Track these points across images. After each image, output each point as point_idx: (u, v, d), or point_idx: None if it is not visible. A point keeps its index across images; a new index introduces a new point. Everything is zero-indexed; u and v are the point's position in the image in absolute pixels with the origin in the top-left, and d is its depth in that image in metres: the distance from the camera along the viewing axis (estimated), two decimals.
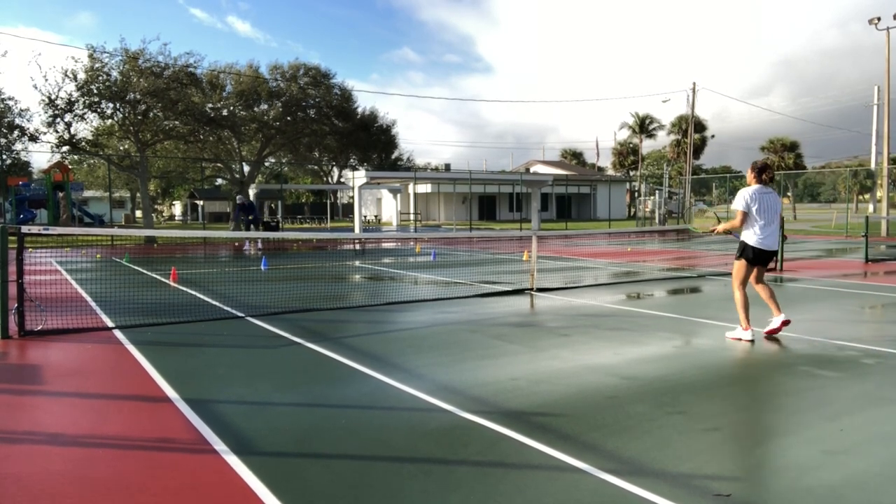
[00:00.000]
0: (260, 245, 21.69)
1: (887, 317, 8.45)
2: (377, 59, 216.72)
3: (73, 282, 12.02)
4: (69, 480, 3.38)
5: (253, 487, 3.26)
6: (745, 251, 6.67)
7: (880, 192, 32.95)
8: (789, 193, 58.16)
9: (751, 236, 6.61)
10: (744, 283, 6.73)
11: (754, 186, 6.65)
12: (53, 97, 25.12)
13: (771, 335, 6.74)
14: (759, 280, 6.84)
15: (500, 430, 4.05)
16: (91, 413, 4.57)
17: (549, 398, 4.73)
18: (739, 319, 6.68)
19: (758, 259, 6.65)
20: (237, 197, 24.65)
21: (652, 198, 43.98)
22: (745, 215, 6.60)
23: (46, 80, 25.06)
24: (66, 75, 25.19)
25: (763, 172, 6.67)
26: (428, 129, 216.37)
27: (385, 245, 24.44)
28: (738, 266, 6.77)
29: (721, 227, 7.20)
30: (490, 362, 5.83)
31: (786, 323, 6.66)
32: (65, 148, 27.32)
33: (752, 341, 6.50)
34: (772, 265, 6.97)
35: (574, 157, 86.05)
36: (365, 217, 46.72)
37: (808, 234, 29.58)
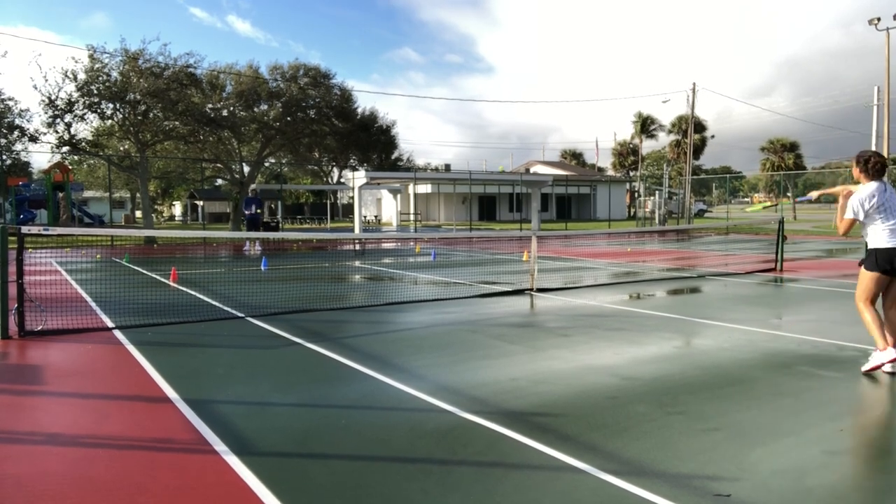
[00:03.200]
0: (259, 246, 21.68)
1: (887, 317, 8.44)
2: (378, 60, 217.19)
3: (73, 282, 12.02)
4: (69, 481, 3.38)
5: (253, 487, 3.26)
6: (878, 257, 5.35)
7: None
8: (789, 193, 58.12)
9: (880, 238, 5.33)
10: (872, 299, 5.43)
11: (873, 184, 5.39)
12: (53, 97, 25.11)
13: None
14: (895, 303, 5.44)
15: (500, 431, 4.04)
16: (91, 413, 4.57)
17: (549, 398, 4.73)
18: (875, 340, 5.39)
19: (893, 266, 5.33)
20: (251, 189, 24.67)
21: (652, 198, 44.00)
22: (853, 223, 5.45)
23: (46, 80, 25.05)
24: (66, 76, 25.18)
25: (869, 163, 5.40)
26: (428, 130, 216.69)
27: (385, 245, 24.44)
28: (867, 279, 5.44)
29: (839, 197, 5.73)
30: (490, 362, 5.83)
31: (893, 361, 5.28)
32: (65, 148, 27.30)
33: (893, 361, 5.26)
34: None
35: (574, 157, 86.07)
36: (365, 217, 46.72)
37: (808, 235, 29.59)
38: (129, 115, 26.73)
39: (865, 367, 5.40)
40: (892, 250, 5.28)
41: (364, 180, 34.42)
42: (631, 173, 68.21)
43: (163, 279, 12.58)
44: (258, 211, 21.44)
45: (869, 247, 5.47)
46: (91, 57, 25.59)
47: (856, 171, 5.55)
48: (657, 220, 41.22)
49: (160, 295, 10.50)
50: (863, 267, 5.49)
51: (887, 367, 5.32)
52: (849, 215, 5.44)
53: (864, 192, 5.41)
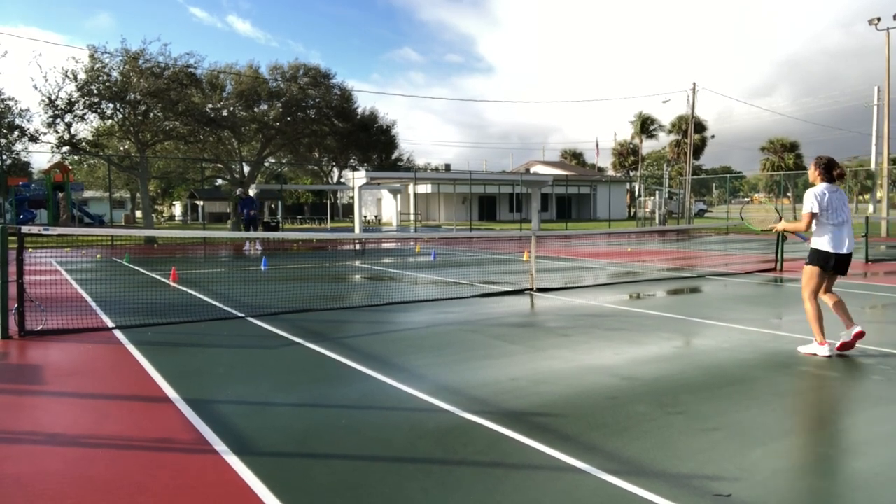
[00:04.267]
0: (259, 245, 21.70)
1: (887, 317, 8.45)
2: (378, 59, 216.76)
3: (73, 282, 12.02)
4: (69, 480, 3.38)
5: (253, 487, 3.26)
6: (819, 257, 6.01)
7: (880, 193, 32.96)
8: (789, 194, 58.13)
9: (823, 241, 5.98)
10: (815, 292, 6.06)
11: (822, 185, 6.01)
12: (54, 97, 25.13)
13: (843, 350, 6.00)
14: (828, 289, 6.16)
15: (500, 430, 4.04)
16: (91, 413, 4.57)
17: (550, 398, 4.73)
18: (813, 333, 6.00)
19: (834, 266, 5.99)
20: (238, 190, 24.73)
21: (652, 198, 44.04)
22: (814, 217, 5.97)
23: (47, 80, 25.09)
24: (67, 76, 25.21)
25: (831, 169, 6.03)
26: (429, 130, 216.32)
27: (385, 245, 24.44)
28: (809, 273, 6.09)
29: (781, 225, 6.61)
30: (490, 362, 5.83)
31: (859, 335, 5.91)
32: (65, 148, 27.33)
33: (829, 356, 5.88)
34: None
35: (574, 157, 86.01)
36: (365, 217, 46.73)
37: (808, 235, 29.55)
38: (129, 115, 26.74)
39: (804, 350, 6.08)
40: (830, 254, 5.96)
41: (364, 180, 34.43)
42: (631, 173, 68.20)
43: (163, 279, 12.58)
44: (250, 212, 21.50)
45: (811, 246, 6.10)
46: (91, 57, 25.63)
47: (813, 173, 6.11)
48: (657, 220, 41.23)
49: (160, 295, 10.50)
50: (806, 263, 6.15)
51: (822, 351, 5.91)
52: (807, 210, 5.97)
53: (818, 188, 6.01)
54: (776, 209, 7.24)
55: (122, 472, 3.46)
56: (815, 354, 5.95)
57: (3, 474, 3.44)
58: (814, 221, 6.00)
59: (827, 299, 6.15)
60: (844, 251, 5.96)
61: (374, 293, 11.07)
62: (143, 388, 5.11)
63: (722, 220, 38.51)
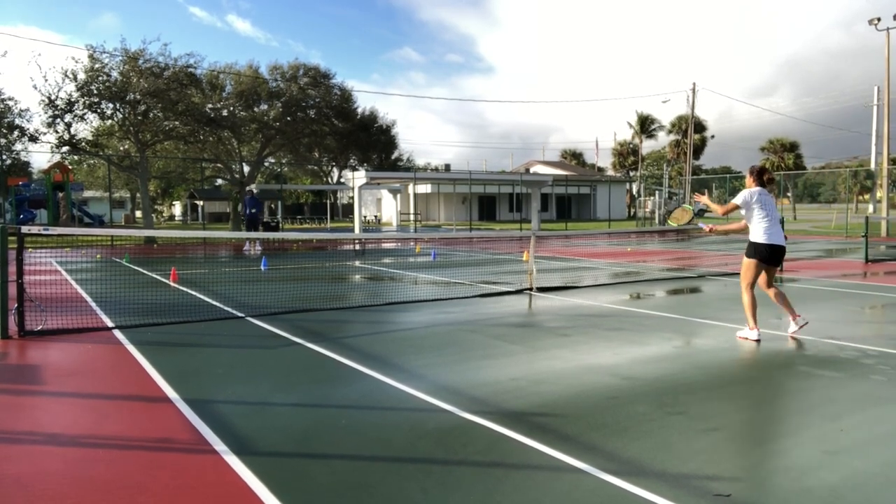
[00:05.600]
0: (259, 245, 21.68)
1: (887, 317, 8.45)
2: (378, 59, 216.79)
3: (73, 282, 12.02)
4: (69, 481, 3.38)
5: (253, 487, 3.26)
6: (756, 250, 6.70)
7: (880, 193, 32.97)
8: (789, 194, 58.18)
9: (759, 234, 6.68)
10: (751, 284, 6.77)
11: (755, 188, 6.80)
12: (53, 97, 25.12)
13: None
14: (770, 284, 6.86)
15: (500, 430, 4.04)
16: (91, 413, 4.57)
17: (550, 398, 4.73)
18: (747, 319, 6.74)
19: (770, 257, 6.70)
20: (247, 190, 24.65)
21: (652, 198, 44.04)
22: (737, 209, 6.88)
23: (46, 80, 25.07)
24: (66, 75, 25.20)
25: (762, 175, 6.89)
26: (429, 130, 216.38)
27: (385, 245, 24.44)
28: (746, 265, 6.82)
29: (705, 199, 7.60)
30: (490, 362, 5.83)
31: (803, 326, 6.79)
32: (65, 148, 27.32)
33: (758, 341, 6.56)
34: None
35: (574, 157, 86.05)
36: (365, 217, 46.71)
37: (808, 235, 29.58)
38: (129, 114, 26.74)
39: (739, 334, 6.83)
40: (765, 245, 6.65)
41: (364, 180, 34.42)
42: (631, 173, 68.19)
43: (163, 279, 12.58)
44: (253, 211, 21.44)
45: (750, 239, 6.77)
46: (91, 57, 25.62)
47: (749, 180, 6.93)
48: (657, 221, 41.23)
49: (160, 295, 10.49)
50: (745, 255, 6.85)
51: (752, 336, 6.64)
52: (736, 201, 6.86)
53: (751, 189, 6.82)
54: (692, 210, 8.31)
55: (122, 472, 3.46)
56: (747, 339, 6.66)
57: (3, 474, 3.44)
58: (746, 218, 6.81)
59: (769, 293, 6.88)
60: (778, 243, 6.66)
61: (374, 293, 11.07)
62: (142, 388, 5.11)
63: (722, 220, 38.50)
